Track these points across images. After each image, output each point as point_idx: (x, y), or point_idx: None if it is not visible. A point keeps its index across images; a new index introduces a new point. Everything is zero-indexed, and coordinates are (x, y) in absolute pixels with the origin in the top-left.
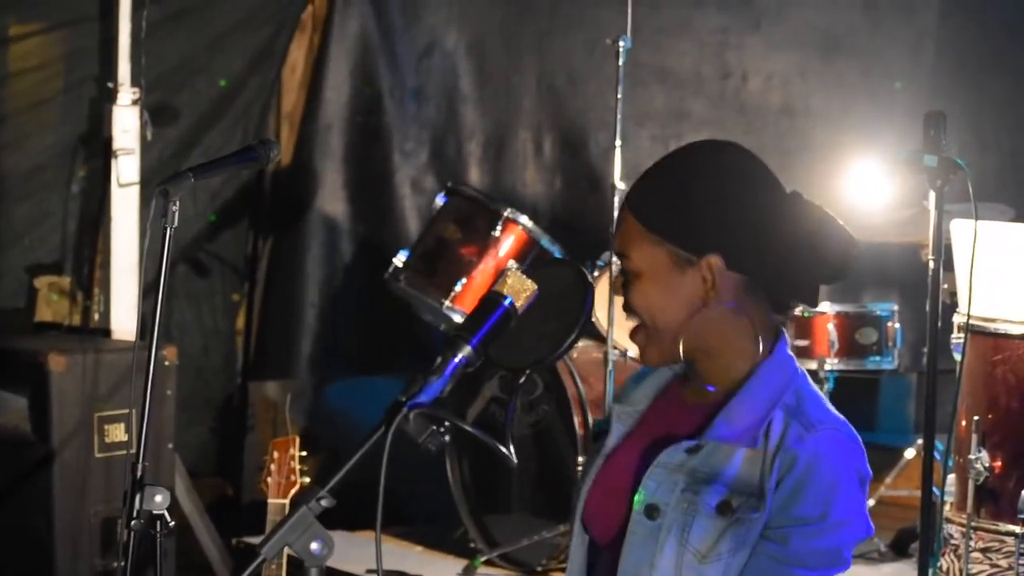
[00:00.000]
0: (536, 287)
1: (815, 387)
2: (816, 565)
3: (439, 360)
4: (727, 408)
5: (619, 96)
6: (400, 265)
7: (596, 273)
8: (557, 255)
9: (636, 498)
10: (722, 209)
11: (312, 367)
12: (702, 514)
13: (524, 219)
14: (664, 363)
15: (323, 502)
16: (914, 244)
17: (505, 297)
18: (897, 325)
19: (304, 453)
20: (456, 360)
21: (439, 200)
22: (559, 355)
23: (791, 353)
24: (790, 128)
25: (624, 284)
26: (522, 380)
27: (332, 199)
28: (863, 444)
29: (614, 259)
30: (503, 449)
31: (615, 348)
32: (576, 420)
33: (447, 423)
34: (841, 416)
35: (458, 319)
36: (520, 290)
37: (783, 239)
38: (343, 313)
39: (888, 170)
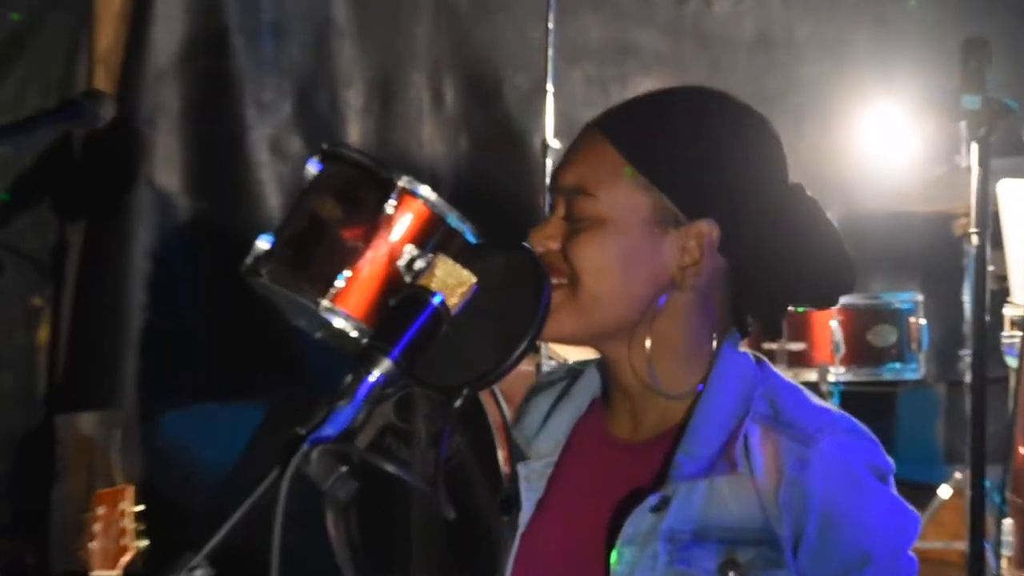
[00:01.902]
0: (474, 280)
1: (786, 379)
2: None
3: (348, 380)
4: (684, 439)
5: (550, 25)
6: (262, 254)
7: None
8: (468, 237)
9: None
10: (731, 170)
11: (142, 393)
12: None
13: (425, 190)
14: (574, 340)
15: (198, 573)
16: (943, 214)
17: (434, 293)
18: (922, 321)
19: (140, 508)
20: (372, 379)
21: (311, 167)
22: (507, 368)
23: (744, 350)
24: (769, 65)
25: (573, 231)
26: (458, 403)
27: (166, 169)
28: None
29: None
30: (435, 495)
31: (551, 359)
32: (500, 455)
33: (362, 462)
34: (829, 406)
35: (342, 324)
36: (453, 284)
37: (779, 233)
38: (183, 320)
39: (907, 116)
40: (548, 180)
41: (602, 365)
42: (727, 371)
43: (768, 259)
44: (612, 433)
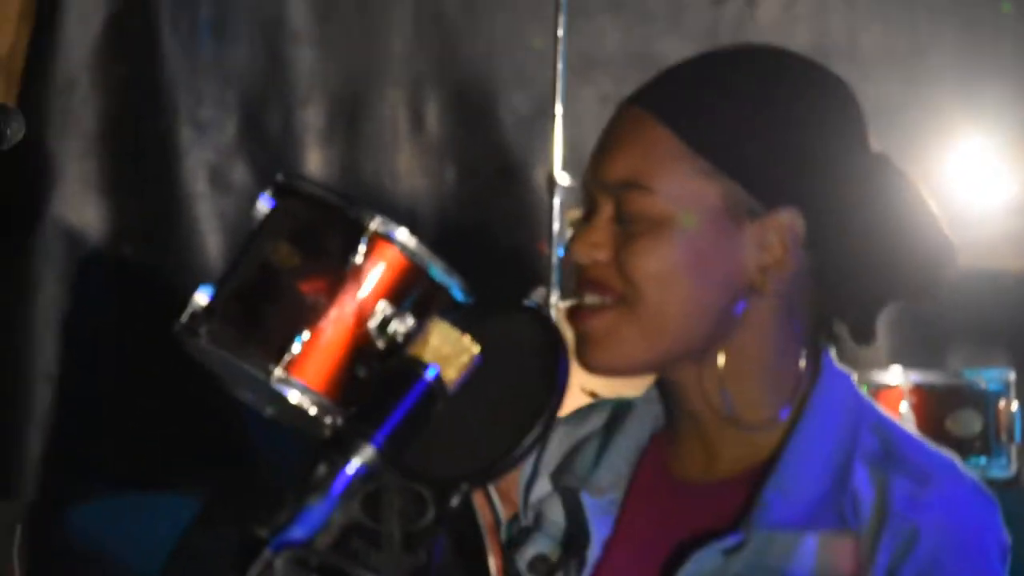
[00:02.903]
0: (476, 349)
1: (895, 417)
2: None
3: (321, 470)
4: (778, 472)
5: (559, 32)
6: (200, 310)
7: None
8: (456, 293)
9: None
10: (811, 145)
11: (48, 480)
12: None
13: (402, 234)
14: (637, 370)
15: None
16: None
17: (427, 366)
18: (1014, 406)
19: None
20: (350, 470)
21: (261, 204)
22: (519, 458)
23: (844, 369)
24: None
25: (627, 236)
26: (455, 501)
27: (78, 201)
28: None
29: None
30: None
31: None
32: (492, 564)
33: (335, 573)
34: (951, 455)
35: (298, 398)
36: (450, 354)
37: (871, 217)
38: (99, 392)
39: (998, 150)
40: (584, 175)
41: (664, 391)
42: (830, 392)
43: (860, 250)
44: (678, 475)
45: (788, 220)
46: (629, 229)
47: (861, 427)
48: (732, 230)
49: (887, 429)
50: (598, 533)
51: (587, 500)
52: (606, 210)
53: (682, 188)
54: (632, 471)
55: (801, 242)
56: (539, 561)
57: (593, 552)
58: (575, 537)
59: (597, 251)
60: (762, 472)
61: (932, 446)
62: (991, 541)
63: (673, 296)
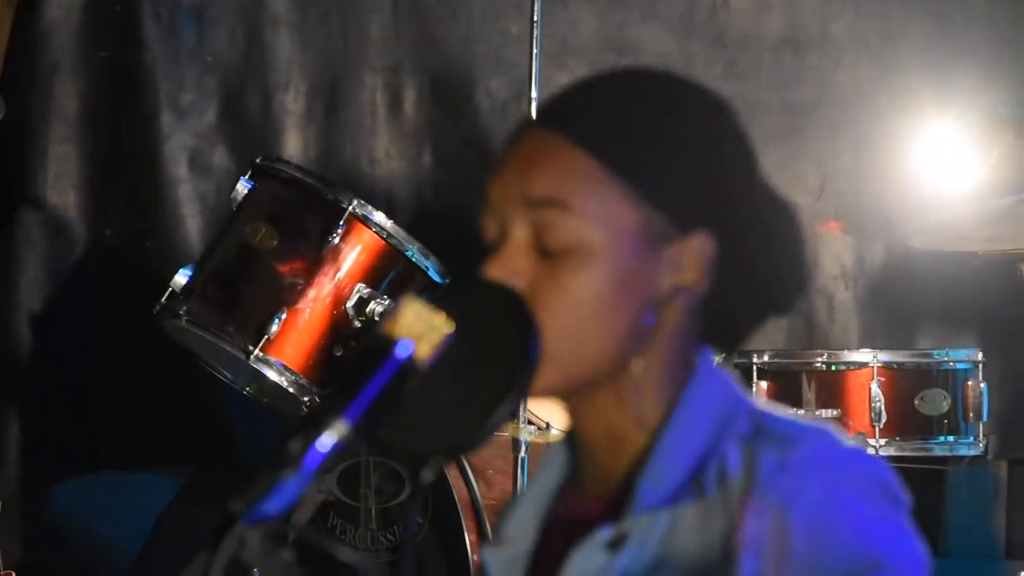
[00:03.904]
0: (449, 326)
1: (775, 410)
2: None
3: (295, 445)
4: (649, 465)
5: (535, 18)
6: (180, 291)
7: None
8: (432, 274)
9: None
10: (720, 170)
11: (28, 459)
12: None
13: (379, 217)
14: (553, 394)
15: None
16: (1008, 255)
17: (400, 342)
18: (982, 385)
19: None
20: (324, 445)
21: (241, 186)
22: (488, 431)
23: (722, 370)
24: (797, 69)
25: (547, 263)
26: (428, 475)
27: (60, 185)
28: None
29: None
30: None
31: (530, 423)
32: (468, 539)
33: (311, 548)
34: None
35: (276, 377)
36: (423, 331)
37: (755, 238)
38: (79, 371)
39: (968, 136)
40: (491, 195)
41: (568, 438)
42: (704, 389)
43: (746, 267)
44: (582, 507)
45: (701, 244)
46: (550, 256)
47: (736, 415)
48: (648, 255)
49: (762, 415)
50: None
51: (488, 559)
52: (520, 233)
53: (602, 210)
54: (542, 520)
55: (713, 264)
56: None
57: None
58: None
59: (515, 279)
60: (636, 467)
61: (810, 423)
62: (875, 487)
63: (593, 326)
